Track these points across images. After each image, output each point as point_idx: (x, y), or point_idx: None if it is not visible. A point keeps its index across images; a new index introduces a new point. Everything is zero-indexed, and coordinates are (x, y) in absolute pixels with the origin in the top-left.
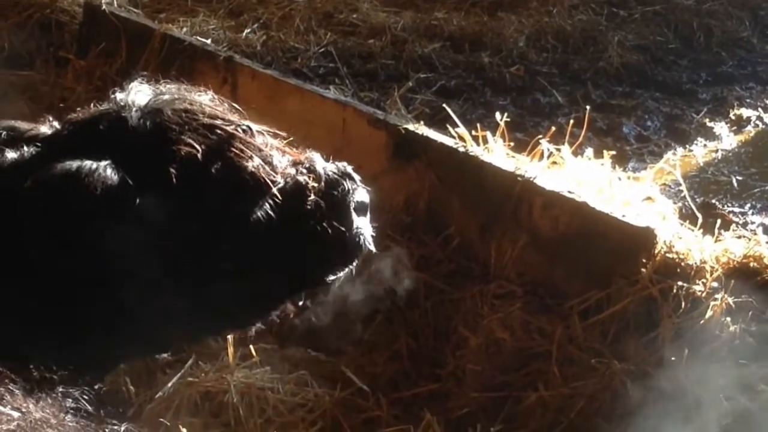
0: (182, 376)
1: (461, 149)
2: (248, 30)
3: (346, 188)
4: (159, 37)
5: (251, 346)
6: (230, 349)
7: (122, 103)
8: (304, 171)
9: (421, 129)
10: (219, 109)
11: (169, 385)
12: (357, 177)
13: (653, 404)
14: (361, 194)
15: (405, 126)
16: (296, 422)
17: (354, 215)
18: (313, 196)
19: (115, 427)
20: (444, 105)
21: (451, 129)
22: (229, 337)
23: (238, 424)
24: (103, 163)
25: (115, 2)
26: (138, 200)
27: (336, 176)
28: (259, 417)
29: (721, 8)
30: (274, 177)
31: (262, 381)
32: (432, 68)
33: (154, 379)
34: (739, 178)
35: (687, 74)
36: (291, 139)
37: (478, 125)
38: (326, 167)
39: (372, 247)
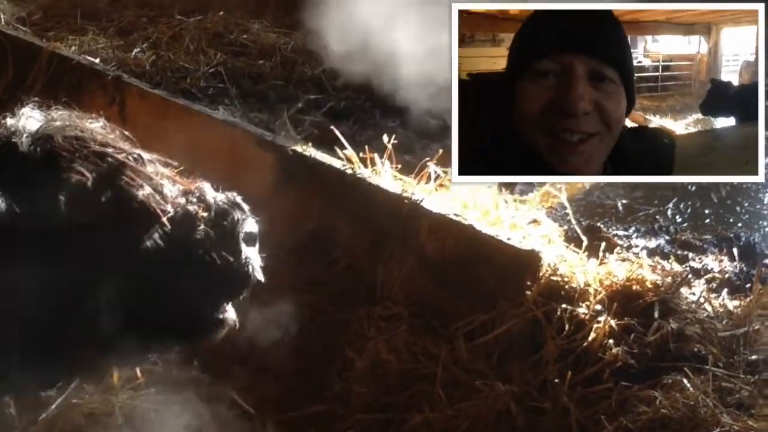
0: (66, 398)
1: (349, 171)
2: (137, 49)
3: (235, 218)
4: (47, 56)
5: (136, 368)
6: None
7: (12, 129)
8: (194, 200)
9: (309, 150)
10: (110, 137)
11: (53, 407)
12: (246, 207)
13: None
14: (250, 224)
15: (293, 147)
16: None
17: (243, 245)
18: (202, 226)
19: None
20: (332, 127)
21: (339, 151)
22: None
23: None
24: None
25: (2, 20)
26: (26, 227)
27: (225, 206)
28: None
29: None
30: (164, 206)
31: (147, 402)
32: (322, 90)
33: (37, 402)
34: (624, 201)
35: None
36: (181, 168)
37: (367, 147)
38: (216, 197)
39: (261, 277)
